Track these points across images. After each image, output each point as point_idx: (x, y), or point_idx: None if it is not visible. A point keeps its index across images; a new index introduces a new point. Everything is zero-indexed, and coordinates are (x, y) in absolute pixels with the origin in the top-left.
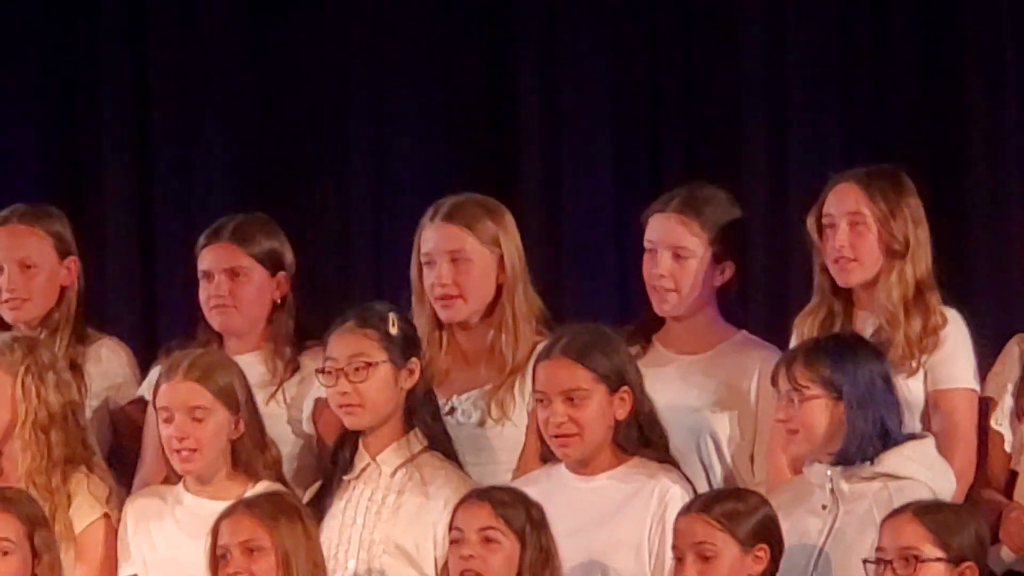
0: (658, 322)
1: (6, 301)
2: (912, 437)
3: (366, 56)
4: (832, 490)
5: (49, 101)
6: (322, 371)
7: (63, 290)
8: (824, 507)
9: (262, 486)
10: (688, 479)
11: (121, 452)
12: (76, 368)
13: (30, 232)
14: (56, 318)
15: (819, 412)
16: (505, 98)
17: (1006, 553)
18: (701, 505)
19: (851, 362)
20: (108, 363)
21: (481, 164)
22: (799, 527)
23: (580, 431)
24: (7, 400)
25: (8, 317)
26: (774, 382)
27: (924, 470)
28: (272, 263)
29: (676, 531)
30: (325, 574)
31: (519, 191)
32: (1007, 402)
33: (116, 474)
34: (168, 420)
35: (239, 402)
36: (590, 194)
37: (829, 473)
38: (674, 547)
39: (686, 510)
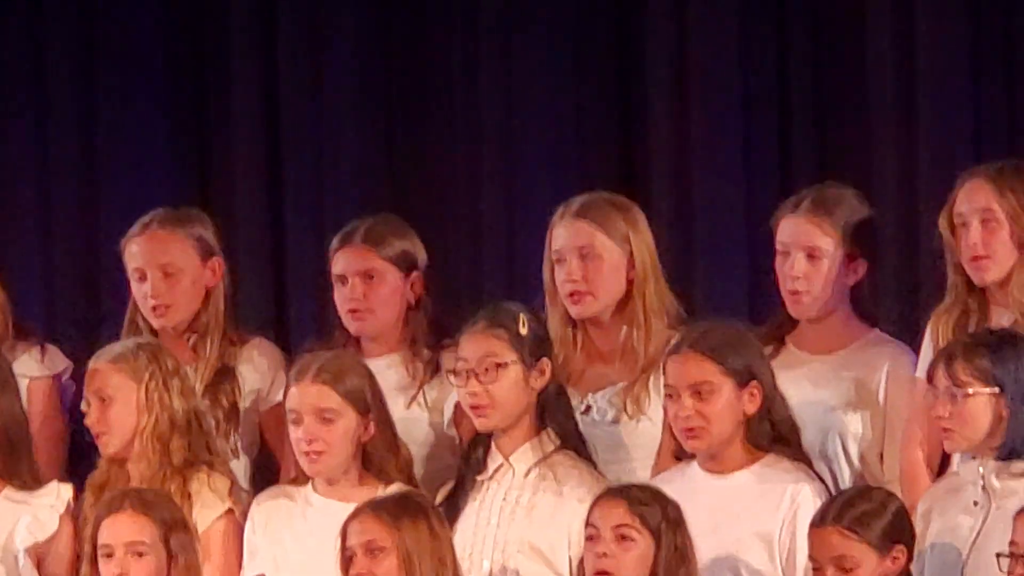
0: (791, 323)
1: (152, 309)
2: None
3: (496, 55)
4: (984, 487)
5: (179, 108)
6: (453, 372)
7: (209, 292)
8: (976, 504)
9: (394, 488)
10: (821, 478)
11: (269, 454)
12: (229, 371)
13: (171, 237)
14: (204, 321)
15: (981, 408)
16: (635, 99)
17: None
18: (834, 515)
19: (1012, 357)
20: (260, 364)
21: (612, 163)
22: (951, 524)
23: (707, 424)
24: (132, 406)
25: (155, 324)
26: (931, 379)
27: None
28: (405, 264)
29: (812, 543)
30: (455, 571)
31: (650, 191)
32: None
33: (266, 476)
34: (297, 422)
35: (369, 404)
36: (720, 193)
37: (981, 470)
38: (811, 558)
39: (820, 521)
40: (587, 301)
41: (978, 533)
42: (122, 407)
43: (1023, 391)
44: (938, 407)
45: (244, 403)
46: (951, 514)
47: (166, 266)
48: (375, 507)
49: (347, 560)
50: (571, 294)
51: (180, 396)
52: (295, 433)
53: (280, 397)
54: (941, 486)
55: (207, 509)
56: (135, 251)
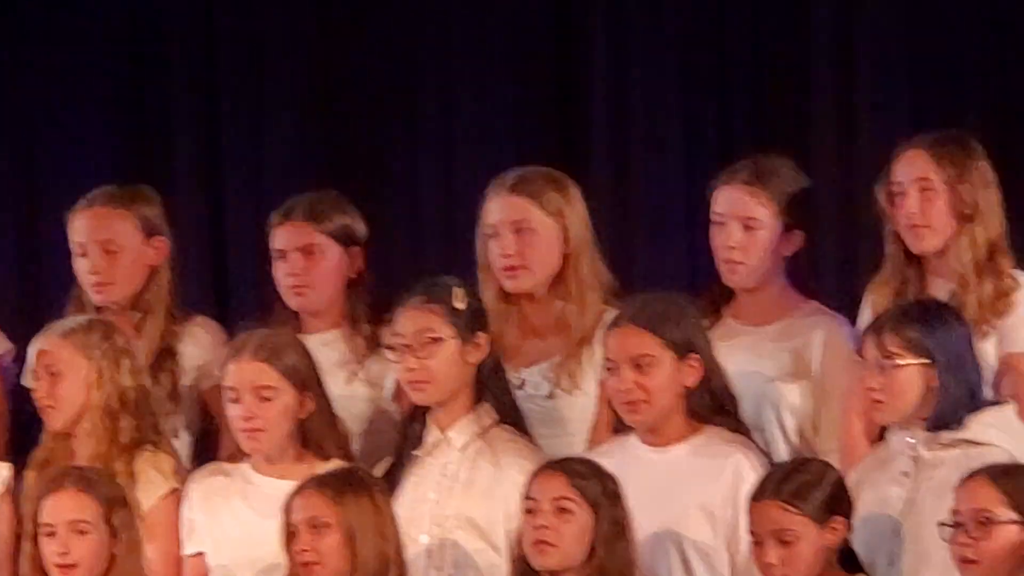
0: (728, 294)
1: (93, 285)
2: (993, 403)
3: (434, 30)
4: (913, 458)
5: (118, 85)
6: (390, 347)
7: (152, 271)
8: (906, 474)
9: (332, 464)
10: (762, 450)
11: (213, 433)
12: (171, 351)
13: (113, 214)
14: (147, 299)
15: (912, 379)
16: (574, 70)
17: None
18: (773, 489)
19: (941, 327)
20: (203, 341)
21: (551, 136)
22: (881, 495)
23: (648, 398)
24: (82, 383)
25: (95, 300)
26: (860, 352)
27: (1005, 437)
28: (346, 239)
29: (752, 516)
30: (398, 546)
31: (589, 164)
32: None
33: (208, 457)
34: (235, 400)
35: (306, 381)
36: (660, 166)
37: (910, 440)
38: (751, 531)
39: (759, 495)
40: (522, 275)
41: (907, 503)
42: (71, 382)
43: (952, 362)
44: (868, 378)
45: (186, 381)
46: (881, 485)
47: (107, 243)
48: (318, 483)
49: (290, 536)
50: (506, 268)
51: (130, 374)
52: (233, 411)
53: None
54: (870, 458)
55: (151, 488)
56: (78, 226)
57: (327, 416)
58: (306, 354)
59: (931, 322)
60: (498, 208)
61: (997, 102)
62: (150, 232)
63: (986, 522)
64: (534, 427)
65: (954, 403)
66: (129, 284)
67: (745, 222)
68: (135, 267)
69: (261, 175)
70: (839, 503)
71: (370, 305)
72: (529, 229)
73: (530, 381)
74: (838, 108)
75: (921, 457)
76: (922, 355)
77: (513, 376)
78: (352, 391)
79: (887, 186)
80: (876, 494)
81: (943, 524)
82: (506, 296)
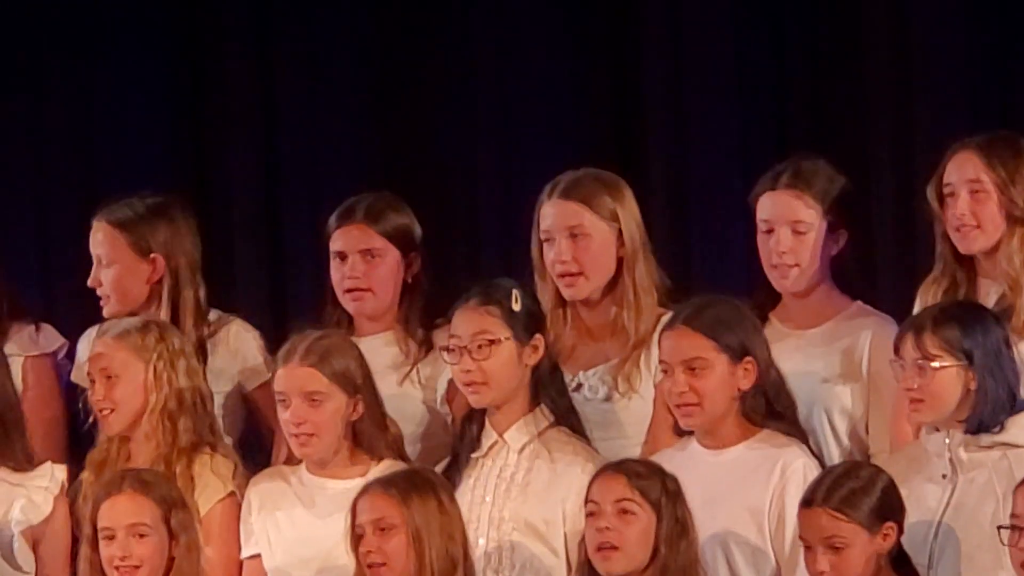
0: (773, 299)
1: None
2: None
3: (492, 31)
4: (951, 459)
5: (174, 86)
6: (447, 349)
7: (152, 286)
8: (944, 476)
9: (385, 465)
10: (814, 453)
11: (256, 435)
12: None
13: (109, 232)
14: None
15: (951, 380)
16: (631, 73)
17: None
18: (823, 496)
19: (980, 329)
20: (237, 345)
21: (608, 139)
22: (916, 495)
23: (701, 401)
24: (139, 386)
25: (106, 312)
26: (898, 351)
27: None
28: (404, 242)
29: (801, 523)
30: (465, 546)
31: (646, 165)
32: None
33: (251, 457)
34: (285, 404)
35: (357, 384)
36: (717, 167)
37: (947, 441)
38: (802, 538)
39: (809, 502)
40: (580, 283)
41: (947, 505)
42: (128, 385)
43: (991, 364)
44: (907, 379)
45: (226, 386)
46: (915, 484)
47: (100, 257)
48: (385, 484)
49: (357, 537)
50: (562, 275)
51: (186, 375)
52: (284, 415)
53: (267, 373)
54: (900, 455)
55: (209, 491)
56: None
57: (378, 418)
58: (358, 356)
59: (970, 323)
60: (552, 213)
61: None
62: (143, 252)
63: None
64: (591, 430)
65: (993, 405)
66: (128, 300)
67: (793, 226)
68: (130, 282)
69: (317, 177)
70: (890, 508)
71: (423, 308)
72: (584, 234)
73: (587, 384)
74: (896, 108)
75: (959, 459)
76: (962, 357)
77: (570, 379)
78: (403, 393)
79: (938, 187)
80: (911, 494)
81: (1002, 527)
82: (562, 299)
